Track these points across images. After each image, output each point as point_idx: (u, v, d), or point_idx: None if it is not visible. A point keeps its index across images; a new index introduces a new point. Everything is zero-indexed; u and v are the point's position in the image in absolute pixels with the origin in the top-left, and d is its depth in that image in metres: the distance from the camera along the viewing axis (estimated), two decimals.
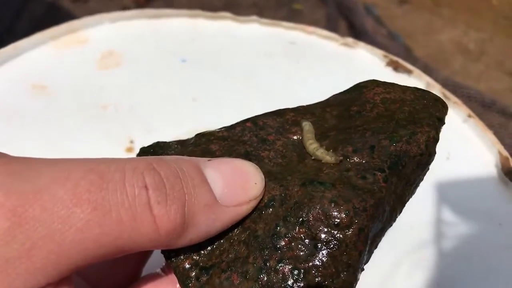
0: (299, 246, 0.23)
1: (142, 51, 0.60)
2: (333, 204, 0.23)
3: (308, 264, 0.22)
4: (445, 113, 0.29)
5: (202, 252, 0.25)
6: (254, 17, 0.65)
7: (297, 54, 0.62)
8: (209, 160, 0.24)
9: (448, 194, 0.51)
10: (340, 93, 0.32)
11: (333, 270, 0.22)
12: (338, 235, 0.23)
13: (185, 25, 0.63)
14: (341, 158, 0.26)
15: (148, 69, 0.58)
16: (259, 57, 0.61)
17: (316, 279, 0.22)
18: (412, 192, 0.28)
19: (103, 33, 0.61)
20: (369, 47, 0.64)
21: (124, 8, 1.20)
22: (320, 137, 0.28)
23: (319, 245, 0.23)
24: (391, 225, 0.27)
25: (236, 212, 0.24)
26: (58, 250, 0.19)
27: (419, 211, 0.49)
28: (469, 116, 0.57)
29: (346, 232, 0.23)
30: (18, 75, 0.56)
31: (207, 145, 0.28)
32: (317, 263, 0.22)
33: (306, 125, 0.28)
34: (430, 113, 0.28)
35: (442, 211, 0.49)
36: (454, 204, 0.50)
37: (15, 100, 0.54)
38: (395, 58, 0.62)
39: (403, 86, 0.30)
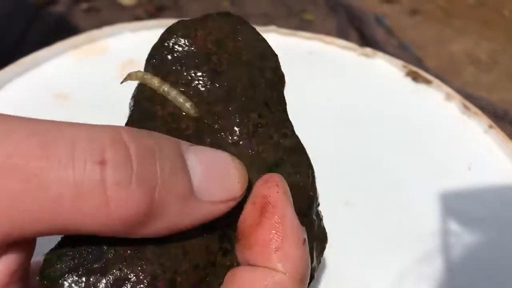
0: None
1: None
2: None
3: None
4: None
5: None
6: (273, 27, 0.65)
7: (316, 64, 0.62)
8: (191, 146, 0.21)
9: (468, 204, 0.50)
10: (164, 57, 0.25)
11: None
12: None
13: None
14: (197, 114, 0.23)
15: None
16: None
17: None
18: None
19: (122, 43, 0.61)
20: (387, 57, 0.64)
21: (136, 18, 1.21)
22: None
23: None
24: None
25: (210, 210, 0.20)
26: None
27: (429, 221, 0.49)
28: (490, 126, 0.57)
29: None
30: (38, 84, 0.56)
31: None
32: None
33: (147, 77, 0.24)
34: (263, 47, 0.26)
35: (457, 221, 0.49)
36: (472, 214, 0.50)
37: (36, 109, 0.54)
38: (414, 68, 0.62)
39: (211, 20, 0.26)
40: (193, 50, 0.24)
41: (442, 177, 0.52)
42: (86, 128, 0.19)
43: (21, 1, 1.21)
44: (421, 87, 0.60)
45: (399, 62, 0.63)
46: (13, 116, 0.18)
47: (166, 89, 0.24)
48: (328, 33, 1.25)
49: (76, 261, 0.20)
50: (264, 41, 0.26)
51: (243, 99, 0.24)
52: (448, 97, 0.59)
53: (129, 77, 0.24)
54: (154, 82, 0.24)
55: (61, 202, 0.17)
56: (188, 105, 0.23)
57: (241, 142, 0.23)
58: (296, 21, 1.29)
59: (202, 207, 0.20)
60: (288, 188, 0.22)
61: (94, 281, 0.19)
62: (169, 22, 0.65)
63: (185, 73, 0.24)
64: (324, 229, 0.25)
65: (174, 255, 0.21)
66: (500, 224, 0.49)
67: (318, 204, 0.25)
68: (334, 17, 1.31)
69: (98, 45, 0.61)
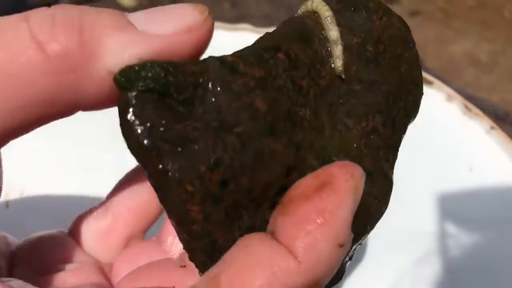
0: None
1: None
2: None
3: None
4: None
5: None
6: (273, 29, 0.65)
7: None
8: None
9: (469, 204, 0.50)
10: (347, 8, 0.23)
11: None
12: None
13: None
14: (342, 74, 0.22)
15: None
16: None
17: None
18: None
19: None
20: None
21: None
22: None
23: None
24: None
25: (171, 41, 0.19)
26: None
27: (429, 222, 0.49)
28: (492, 127, 0.57)
29: None
30: None
31: (249, 96, 0.19)
32: None
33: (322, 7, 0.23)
34: (417, 65, 0.24)
35: (458, 222, 0.49)
36: (473, 215, 0.50)
37: None
38: None
39: (392, 11, 0.24)
40: (371, 27, 0.23)
41: (443, 178, 0.52)
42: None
43: (21, 2, 1.21)
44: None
45: None
46: None
47: (334, 31, 0.22)
48: None
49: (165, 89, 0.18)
50: (420, 70, 0.25)
51: (380, 99, 0.23)
52: (449, 98, 0.59)
53: (303, 6, 0.23)
54: (327, 13, 0.22)
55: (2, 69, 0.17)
56: (340, 60, 0.22)
57: (353, 131, 0.22)
58: None
59: (154, 40, 0.18)
60: (361, 191, 0.19)
61: (168, 121, 0.18)
62: None
63: (353, 35, 0.23)
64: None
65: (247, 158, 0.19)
66: (500, 225, 0.49)
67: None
68: None
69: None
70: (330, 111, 0.22)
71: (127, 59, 0.18)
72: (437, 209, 0.49)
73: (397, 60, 0.23)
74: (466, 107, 0.58)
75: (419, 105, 0.25)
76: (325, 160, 0.21)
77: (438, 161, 0.53)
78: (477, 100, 1.12)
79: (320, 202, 0.18)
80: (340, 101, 0.22)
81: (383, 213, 0.22)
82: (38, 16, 0.18)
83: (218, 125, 0.18)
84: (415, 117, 0.25)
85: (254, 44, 0.21)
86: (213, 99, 0.19)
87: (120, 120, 0.18)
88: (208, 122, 0.18)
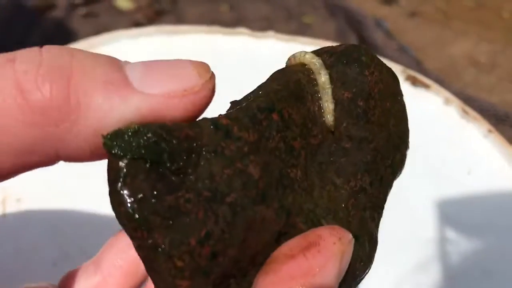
0: None
1: None
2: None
3: None
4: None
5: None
6: (271, 33, 0.65)
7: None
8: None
9: (468, 209, 0.50)
10: (340, 62, 0.23)
11: None
12: None
13: (203, 41, 0.63)
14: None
15: None
16: None
17: None
18: None
19: (121, 50, 0.61)
20: (386, 61, 0.64)
21: (136, 23, 1.21)
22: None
23: None
24: None
25: (164, 103, 0.17)
26: None
27: (428, 227, 0.48)
28: (490, 131, 0.56)
29: None
30: None
31: (242, 162, 0.19)
32: None
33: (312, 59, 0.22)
34: (404, 118, 0.24)
35: (456, 227, 0.49)
36: (471, 220, 0.50)
37: None
38: (413, 73, 0.62)
39: (383, 64, 0.24)
40: (363, 81, 0.22)
41: (441, 182, 0.51)
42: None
43: (20, 7, 1.21)
44: (420, 92, 0.60)
45: (398, 67, 0.62)
46: None
47: (324, 79, 0.22)
48: (327, 36, 1.25)
49: (157, 150, 0.17)
50: (407, 122, 0.25)
51: (369, 157, 0.23)
52: (447, 102, 0.59)
53: (293, 57, 0.23)
54: (317, 65, 0.22)
55: None
56: (331, 116, 0.22)
57: (342, 190, 0.22)
58: (296, 24, 1.29)
59: (148, 99, 0.17)
60: (349, 256, 0.19)
61: (161, 190, 0.17)
62: (168, 29, 0.65)
63: (345, 89, 0.22)
64: None
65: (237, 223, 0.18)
66: (499, 230, 0.49)
67: None
68: (333, 20, 1.31)
69: (97, 52, 0.61)
70: (320, 170, 0.22)
71: (116, 120, 0.17)
72: (436, 214, 0.49)
73: (386, 115, 0.23)
74: (464, 110, 0.58)
75: (404, 161, 0.24)
76: (314, 223, 0.21)
77: (436, 165, 0.53)
78: (477, 101, 1.12)
79: (305, 262, 0.17)
80: (330, 159, 0.22)
81: (368, 272, 0.22)
82: (25, 58, 0.17)
83: (211, 195, 0.18)
84: (400, 173, 0.25)
85: (249, 101, 0.20)
86: (206, 166, 0.18)
87: (110, 188, 0.17)
88: (201, 192, 0.18)
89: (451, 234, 0.48)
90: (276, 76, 0.22)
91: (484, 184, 0.52)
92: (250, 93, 0.21)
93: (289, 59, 0.23)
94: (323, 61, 0.22)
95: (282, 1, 1.36)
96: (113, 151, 0.16)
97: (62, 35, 1.17)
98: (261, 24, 1.26)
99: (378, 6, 1.39)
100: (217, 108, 0.58)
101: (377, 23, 1.30)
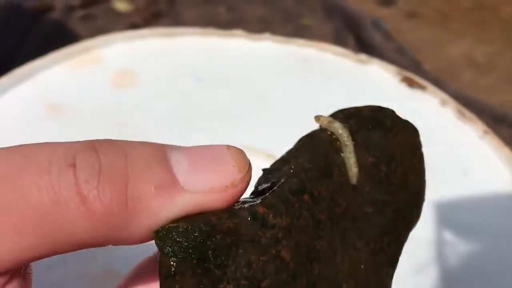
0: None
1: (156, 70, 0.60)
2: None
3: None
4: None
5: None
6: (267, 35, 0.65)
7: (310, 72, 0.62)
8: (178, 146, 0.20)
9: (464, 211, 0.50)
10: (365, 127, 0.24)
11: None
12: None
13: (198, 43, 0.63)
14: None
15: (162, 88, 0.58)
16: (272, 75, 0.61)
17: None
18: None
19: (117, 52, 0.61)
20: (382, 63, 0.64)
21: (133, 25, 1.21)
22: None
23: None
24: None
25: (207, 199, 0.19)
26: None
27: (424, 229, 0.48)
28: (485, 132, 0.56)
29: None
30: (32, 95, 0.56)
31: (276, 248, 0.20)
32: None
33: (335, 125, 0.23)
34: (422, 171, 0.25)
35: (452, 229, 0.49)
36: (467, 221, 0.50)
37: (30, 120, 0.54)
38: (409, 74, 0.62)
39: (408, 123, 0.25)
40: (386, 145, 0.23)
41: (437, 183, 0.51)
42: (66, 142, 0.19)
43: (18, 9, 1.21)
44: (416, 93, 0.60)
45: (394, 68, 0.62)
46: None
47: (350, 149, 0.23)
48: (325, 38, 1.25)
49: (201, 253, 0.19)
50: (424, 175, 0.25)
51: (389, 220, 0.23)
52: (443, 103, 0.59)
53: (317, 119, 0.24)
54: (345, 138, 0.23)
55: (43, 208, 0.17)
56: (355, 178, 0.23)
57: (362, 253, 0.23)
58: (293, 26, 1.29)
59: (194, 198, 0.19)
60: None
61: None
62: (164, 31, 0.65)
63: (368, 154, 0.23)
64: None
65: None
66: (495, 231, 0.49)
67: None
68: (331, 21, 1.31)
69: (92, 55, 0.61)
70: (343, 236, 0.23)
71: (165, 218, 0.18)
72: (432, 216, 0.49)
73: (406, 173, 0.24)
74: (460, 111, 0.58)
75: (420, 214, 0.25)
76: None
77: (432, 166, 0.53)
78: (475, 102, 1.12)
79: None
80: (353, 224, 0.23)
81: None
82: (85, 165, 0.18)
83: (248, 283, 0.19)
84: (415, 225, 0.25)
85: (281, 184, 0.21)
86: (244, 255, 0.19)
87: (161, 282, 0.18)
88: (239, 282, 0.19)
89: (447, 235, 0.48)
90: (306, 146, 0.23)
91: (480, 185, 0.52)
92: (281, 161, 0.22)
93: (318, 118, 0.24)
94: (350, 126, 0.23)
95: (280, 3, 1.37)
96: (165, 251, 0.18)
97: (60, 37, 1.17)
98: (258, 25, 1.26)
99: (376, 7, 1.39)
100: (217, 108, 0.58)
101: (375, 24, 1.31)
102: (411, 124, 0.25)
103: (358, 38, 1.27)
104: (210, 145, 0.20)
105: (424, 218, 0.49)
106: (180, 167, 0.19)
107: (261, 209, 0.20)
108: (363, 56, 0.64)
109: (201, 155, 0.19)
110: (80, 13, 1.25)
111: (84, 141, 0.19)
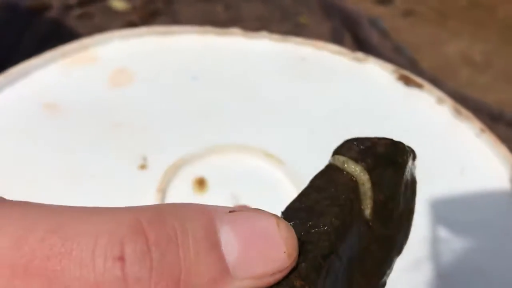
0: None
1: (153, 68, 0.60)
2: None
3: None
4: None
5: None
6: (264, 33, 0.65)
7: (307, 70, 0.62)
8: (230, 212, 0.19)
9: (460, 209, 0.50)
10: (380, 166, 0.24)
11: None
12: None
13: (195, 41, 0.63)
14: None
15: (159, 87, 0.58)
16: (269, 73, 0.61)
17: None
18: None
19: (113, 51, 0.61)
20: (379, 61, 0.64)
21: (130, 23, 1.20)
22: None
23: None
24: None
25: (254, 284, 0.18)
26: None
27: (421, 227, 0.48)
28: (482, 130, 0.56)
29: None
30: (28, 94, 0.56)
31: None
32: None
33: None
34: (414, 196, 0.26)
35: (449, 227, 0.49)
36: (464, 219, 0.50)
37: (26, 119, 0.54)
38: (406, 73, 0.62)
39: (411, 154, 0.26)
40: (395, 183, 0.24)
41: (434, 181, 0.51)
42: (109, 216, 0.17)
43: (15, 7, 1.21)
44: (412, 91, 0.60)
45: (390, 67, 0.63)
46: (29, 205, 0.17)
47: (368, 193, 0.23)
48: (322, 36, 1.25)
49: None
50: (415, 197, 0.26)
51: (390, 254, 0.24)
52: (439, 101, 0.59)
53: (334, 159, 0.24)
54: (364, 183, 0.23)
55: None
56: (370, 217, 0.23)
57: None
58: (291, 24, 1.29)
59: (240, 285, 0.18)
60: None
61: None
62: (161, 29, 0.65)
63: (380, 192, 0.23)
64: None
65: None
66: (491, 229, 0.49)
67: None
68: (328, 20, 1.31)
69: (88, 54, 0.61)
70: (351, 276, 0.23)
71: None
72: (428, 214, 0.49)
73: (405, 203, 0.24)
74: (457, 110, 0.58)
75: (408, 237, 0.26)
76: None
77: (429, 164, 0.53)
78: (472, 101, 1.12)
79: None
80: (361, 263, 0.23)
81: None
82: (134, 259, 0.16)
83: None
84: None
85: (314, 249, 0.21)
86: None
87: None
88: None
89: (443, 233, 0.48)
90: (327, 191, 0.23)
91: (476, 183, 0.52)
92: (305, 210, 0.22)
93: (337, 159, 0.24)
94: (367, 165, 0.23)
95: (278, 1, 1.37)
96: None
97: (57, 36, 1.17)
98: (256, 24, 1.26)
99: (374, 6, 1.39)
100: (214, 106, 0.58)
101: (373, 23, 1.31)
102: (415, 153, 0.25)
103: (356, 36, 1.27)
104: (260, 217, 0.19)
105: (420, 215, 0.49)
106: (231, 255, 0.18)
107: (298, 283, 0.20)
108: (359, 55, 0.64)
109: (252, 237, 0.18)
110: (77, 11, 1.25)
111: (129, 216, 0.17)
